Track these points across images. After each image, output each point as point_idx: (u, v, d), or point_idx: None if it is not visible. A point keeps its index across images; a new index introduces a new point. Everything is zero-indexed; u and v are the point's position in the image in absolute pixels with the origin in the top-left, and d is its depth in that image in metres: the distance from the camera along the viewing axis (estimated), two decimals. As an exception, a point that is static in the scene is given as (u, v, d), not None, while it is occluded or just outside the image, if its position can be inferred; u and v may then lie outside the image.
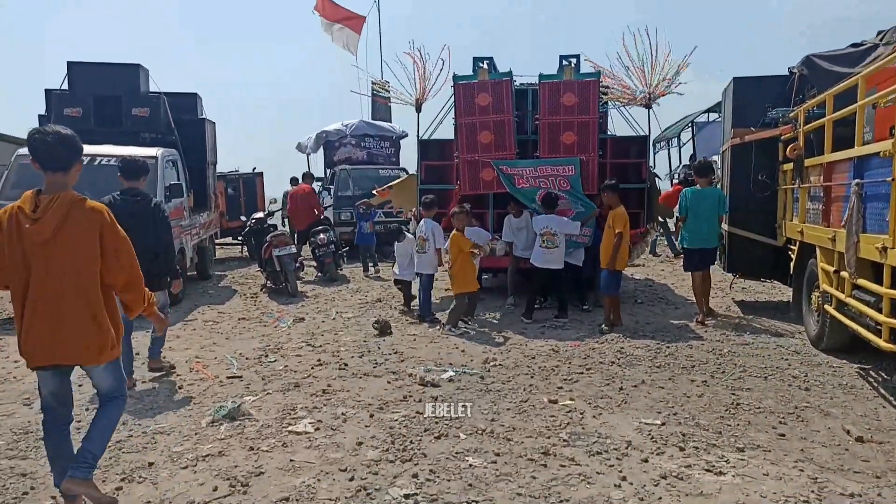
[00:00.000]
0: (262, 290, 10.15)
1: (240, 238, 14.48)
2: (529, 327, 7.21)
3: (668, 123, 14.81)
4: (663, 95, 8.07)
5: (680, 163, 14.66)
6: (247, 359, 6.19)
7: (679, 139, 14.76)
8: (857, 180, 4.72)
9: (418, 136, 9.08)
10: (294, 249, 9.92)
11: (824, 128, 6.18)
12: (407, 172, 15.35)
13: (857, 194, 4.69)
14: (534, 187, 7.88)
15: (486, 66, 7.98)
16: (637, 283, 10.24)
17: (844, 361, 5.67)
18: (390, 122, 18.86)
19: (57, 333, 3.00)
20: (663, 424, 4.29)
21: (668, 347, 6.25)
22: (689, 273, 7.68)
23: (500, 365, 5.78)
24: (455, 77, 8.07)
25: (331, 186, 14.89)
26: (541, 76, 7.87)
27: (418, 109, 9.00)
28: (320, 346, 6.64)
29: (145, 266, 3.38)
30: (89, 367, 3.16)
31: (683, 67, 8.05)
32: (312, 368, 5.81)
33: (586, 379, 5.32)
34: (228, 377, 5.58)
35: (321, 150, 16.78)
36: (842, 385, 5.05)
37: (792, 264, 6.87)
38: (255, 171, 16.62)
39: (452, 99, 9.04)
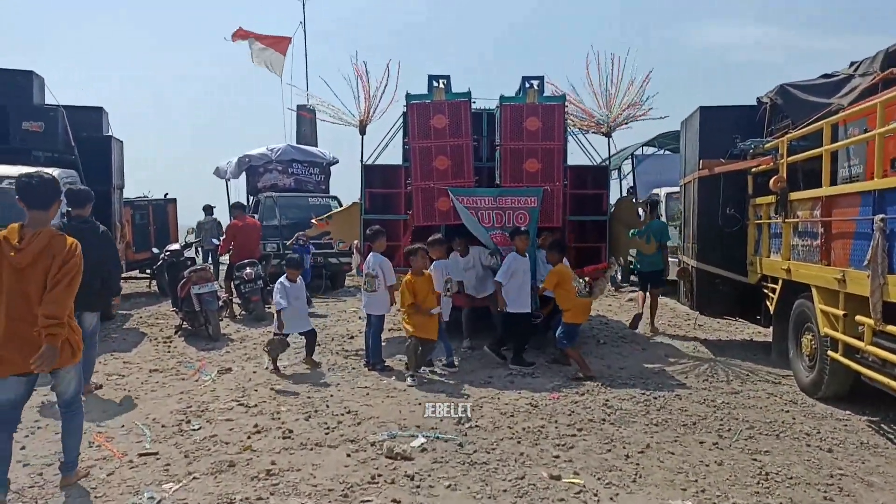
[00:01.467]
0: (176, 332, 8.84)
1: (149, 272, 12.94)
2: (496, 375, 6.40)
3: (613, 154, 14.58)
4: (634, 120, 7.62)
5: (620, 194, 14.48)
6: (163, 426, 5.03)
7: (620, 171, 14.60)
8: (880, 216, 4.26)
9: (362, 161, 8.20)
10: (216, 287, 8.70)
11: (811, 160, 5.84)
12: (339, 201, 14.42)
13: (881, 231, 4.23)
14: (489, 226, 7.15)
15: (442, 84, 7.25)
16: (592, 321, 9.68)
17: (848, 413, 5.20)
18: (317, 146, 17.85)
19: (33, 343, 3.50)
20: (696, 507, 3.57)
21: (656, 399, 5.60)
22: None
23: (476, 426, 4.92)
24: (408, 96, 7.29)
25: (254, 216, 13.63)
26: (502, 98, 7.22)
27: (362, 132, 8.14)
28: (255, 405, 5.55)
29: (89, 288, 4.15)
30: (63, 369, 3.76)
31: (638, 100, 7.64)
32: (249, 438, 4.74)
33: (582, 443, 4.55)
34: (141, 454, 4.42)
35: (243, 176, 15.50)
36: (864, 444, 4.53)
37: (772, 304, 6.44)
38: (167, 197, 15.12)
39: (401, 120, 8.27)
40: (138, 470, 4.17)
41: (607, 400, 5.55)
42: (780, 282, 6.21)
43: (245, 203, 15.25)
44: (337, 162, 15.73)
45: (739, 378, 6.31)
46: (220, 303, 8.83)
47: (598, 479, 3.94)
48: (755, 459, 4.23)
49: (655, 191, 12.52)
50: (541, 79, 7.28)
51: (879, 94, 5.38)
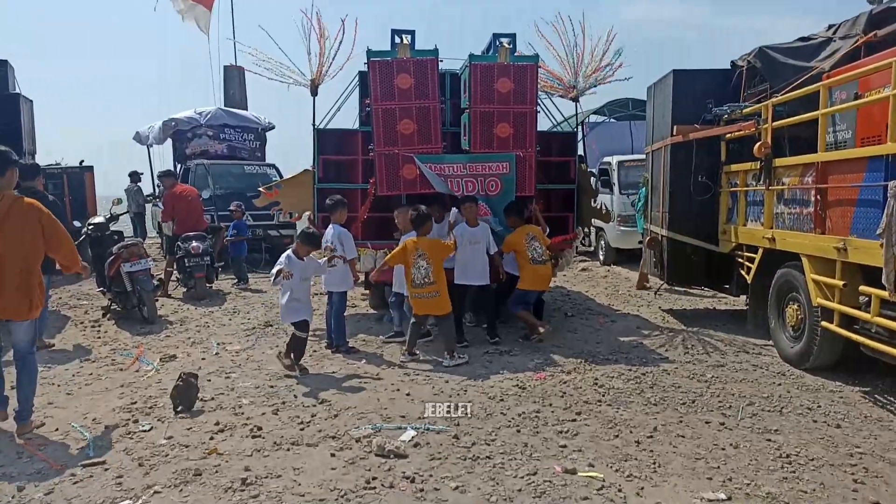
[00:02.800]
0: (104, 315, 7.95)
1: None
2: (472, 355, 5.99)
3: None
4: (604, 83, 7.27)
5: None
6: (106, 428, 4.35)
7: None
8: (895, 181, 4.07)
9: (314, 125, 7.50)
10: (149, 264, 7.85)
11: (796, 126, 5.66)
12: (277, 170, 13.55)
13: (896, 198, 4.03)
14: (459, 195, 6.67)
15: (406, 40, 6.63)
16: (554, 293, 9.43)
17: (839, 384, 5.12)
18: (247, 109, 16.73)
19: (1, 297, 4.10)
20: (729, 500, 3.29)
21: (644, 375, 5.36)
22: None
23: (467, 415, 4.51)
24: (369, 52, 6.63)
25: (161, 185, 12.56)
26: (471, 56, 6.68)
27: (314, 92, 7.43)
28: (211, 398, 4.92)
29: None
30: (19, 321, 4.22)
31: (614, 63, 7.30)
32: (212, 438, 4.15)
33: (585, 429, 4.22)
34: (85, 464, 3.77)
35: (168, 143, 14.30)
36: (868, 418, 4.41)
37: (748, 274, 6.31)
38: (83, 164, 13.76)
39: (358, 80, 7.61)
40: (84, 486, 3.52)
41: (596, 379, 5.25)
42: (760, 251, 6.06)
43: (173, 170, 14.17)
44: (273, 127, 14.77)
45: (718, 350, 6.17)
46: (155, 281, 8.00)
47: (616, 470, 3.62)
48: (769, 440, 4.02)
49: (606, 159, 12.34)
50: (512, 36, 6.77)
51: (870, 56, 5.22)
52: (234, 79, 19.47)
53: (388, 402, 4.80)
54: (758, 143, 5.80)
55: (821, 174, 5.02)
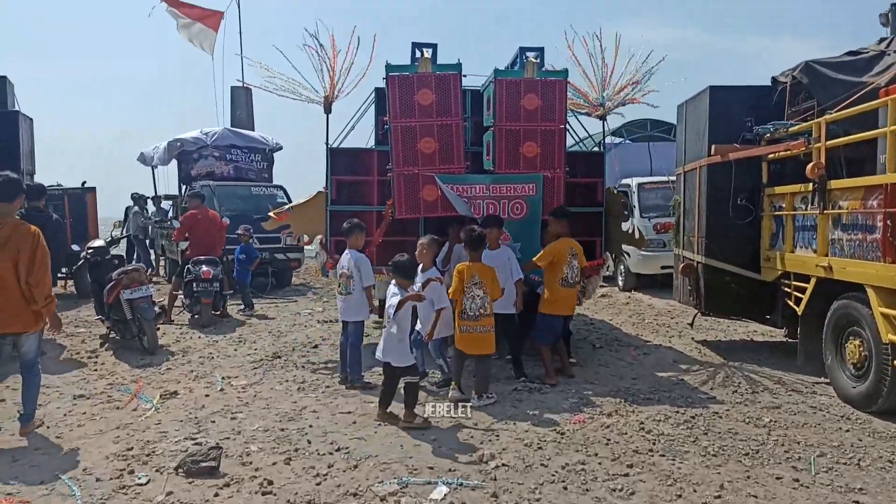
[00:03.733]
0: (102, 345, 7.48)
1: (65, 271, 11.28)
2: (498, 392, 5.47)
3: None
4: (633, 102, 6.85)
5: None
6: (98, 480, 3.86)
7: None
8: None
9: (327, 144, 7.09)
10: (150, 291, 7.39)
11: (851, 145, 5.22)
12: (285, 191, 13.16)
13: None
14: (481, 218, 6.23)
15: (427, 54, 6.24)
16: (576, 322, 8.93)
17: (914, 429, 4.60)
18: (253, 130, 16.40)
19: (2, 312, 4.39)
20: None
21: (694, 418, 4.84)
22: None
23: (503, 465, 4.00)
24: (388, 66, 6.23)
25: (188, 206, 12.18)
26: (496, 71, 6.27)
27: (327, 110, 7.03)
28: (213, 442, 4.41)
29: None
30: (27, 334, 4.54)
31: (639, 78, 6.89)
32: (217, 496, 3.65)
33: (641, 486, 3.71)
34: (71, 529, 3.28)
35: (174, 164, 13.93)
36: (961, 472, 3.90)
37: (798, 305, 5.82)
38: (85, 185, 13.37)
39: (373, 96, 7.21)
40: (68, 557, 3.03)
41: (641, 423, 4.74)
42: (813, 280, 5.58)
43: (202, 194, 13.79)
44: (280, 148, 14.40)
45: (767, 389, 5.66)
46: (157, 309, 7.53)
47: (688, 541, 3.11)
48: (857, 502, 3.50)
49: (625, 181, 11.90)
50: (540, 50, 6.39)
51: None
52: (240, 99, 19.16)
53: (413, 450, 4.29)
54: (810, 164, 5.34)
55: (891, 197, 4.55)
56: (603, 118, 7.29)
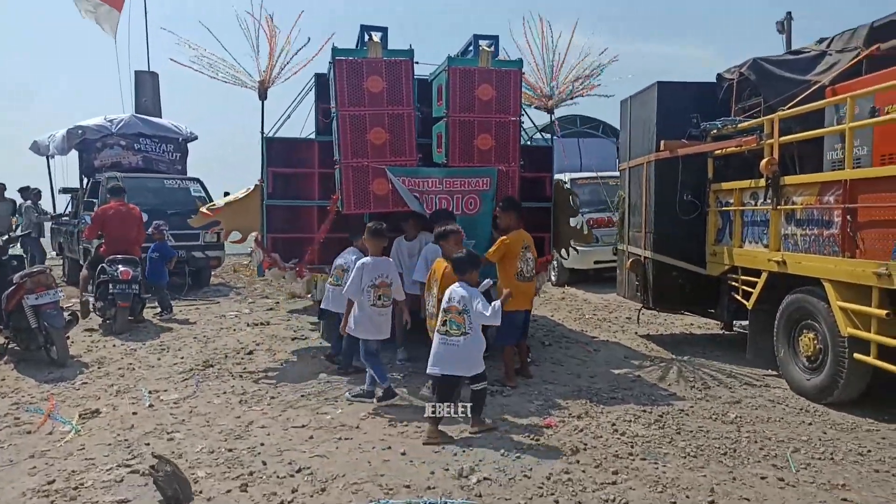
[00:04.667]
0: (0, 357, 6.61)
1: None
2: (463, 401, 5.18)
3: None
4: (581, 95, 6.75)
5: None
6: (17, 524, 3.27)
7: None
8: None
9: (262, 133, 6.56)
10: (59, 296, 6.57)
11: (802, 141, 5.32)
12: (202, 184, 12.28)
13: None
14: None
15: (377, 38, 5.84)
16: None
17: (871, 420, 4.70)
18: (160, 117, 15.25)
19: None
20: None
21: (662, 417, 4.76)
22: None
23: (485, 479, 3.73)
24: (335, 50, 5.78)
25: (94, 200, 11.13)
26: (449, 59, 5.97)
27: (262, 96, 6.50)
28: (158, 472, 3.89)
29: None
30: None
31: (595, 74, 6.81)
32: (168, 534, 3.16)
33: (633, 494, 3.55)
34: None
35: (74, 154, 12.69)
36: (927, 462, 3.99)
37: (749, 299, 5.90)
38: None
39: (313, 83, 6.74)
40: None
41: (613, 424, 4.61)
42: (764, 275, 5.66)
43: (80, 185, 12.60)
44: (195, 138, 13.44)
45: (722, 383, 5.70)
46: (67, 316, 6.72)
47: (697, 554, 2.96)
48: (845, 500, 3.49)
49: (557, 177, 11.90)
50: (495, 38, 6.14)
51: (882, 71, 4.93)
52: (146, 84, 17.84)
53: (383, 466, 3.95)
54: (764, 160, 5.40)
55: (849, 193, 4.63)
56: (551, 111, 7.17)
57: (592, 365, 6.34)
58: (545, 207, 7.03)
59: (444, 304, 4.48)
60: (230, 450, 4.22)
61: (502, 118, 6.09)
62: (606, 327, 8.21)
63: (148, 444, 4.33)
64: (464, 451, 4.15)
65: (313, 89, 6.80)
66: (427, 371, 4.56)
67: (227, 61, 6.36)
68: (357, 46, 6.00)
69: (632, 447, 4.19)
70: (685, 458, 4.04)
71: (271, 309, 9.73)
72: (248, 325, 8.42)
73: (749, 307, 5.91)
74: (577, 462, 3.96)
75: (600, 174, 11.57)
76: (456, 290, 4.47)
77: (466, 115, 6.00)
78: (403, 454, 4.13)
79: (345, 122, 5.80)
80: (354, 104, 5.81)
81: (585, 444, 4.24)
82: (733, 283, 6.26)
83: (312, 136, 6.99)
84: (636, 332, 7.85)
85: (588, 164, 12.36)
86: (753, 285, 5.87)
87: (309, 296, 10.10)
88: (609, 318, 8.85)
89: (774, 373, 5.87)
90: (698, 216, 6.68)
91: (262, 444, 4.31)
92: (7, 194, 13.04)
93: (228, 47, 6.39)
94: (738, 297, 6.15)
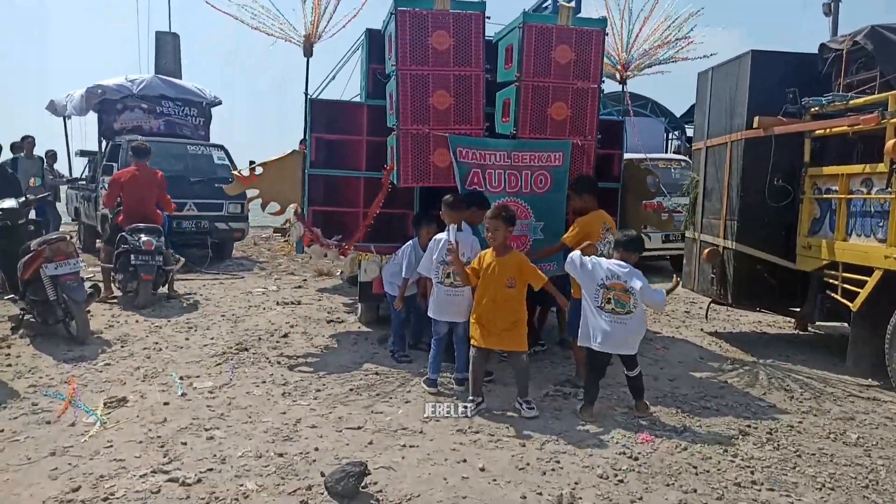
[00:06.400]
0: (15, 331, 6.06)
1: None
2: (515, 405, 4.54)
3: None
4: (672, 61, 6.04)
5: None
6: (36, 546, 2.69)
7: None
8: None
9: (306, 94, 5.89)
10: (80, 266, 5.99)
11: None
12: (226, 152, 11.65)
13: None
14: (497, 191, 5.25)
15: (446, -13, 5.13)
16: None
17: None
18: (181, 78, 14.59)
19: None
20: None
21: (772, 434, 4.13)
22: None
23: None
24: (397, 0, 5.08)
25: (113, 164, 10.51)
26: (525, 15, 5.25)
27: (308, 52, 5.82)
28: (196, 479, 3.31)
29: None
30: None
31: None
32: (220, 570, 2.58)
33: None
34: None
35: (92, 115, 12.05)
36: None
37: (855, 300, 5.22)
38: (-15, 137, 11.35)
39: (364, 40, 6.06)
40: None
41: (719, 441, 3.98)
42: (878, 273, 4.98)
43: (98, 148, 11.98)
44: (220, 102, 12.76)
45: (821, 392, 5.05)
46: (89, 288, 6.14)
47: None
48: None
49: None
50: (577, -7, 5.42)
51: None
52: (167, 45, 17.24)
53: (463, 485, 3.34)
54: (891, 142, 4.69)
55: None
56: (623, 81, 6.45)
57: (667, 366, 5.69)
58: (613, 189, 6.35)
59: (605, 282, 4.29)
60: (280, 454, 3.63)
61: (581, 85, 5.38)
62: (666, 321, 7.55)
63: (185, 444, 3.75)
64: (553, 471, 3.54)
65: (364, 47, 6.11)
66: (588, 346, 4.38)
67: (271, 11, 5.71)
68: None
69: (752, 473, 3.57)
70: (820, 489, 3.41)
71: (299, 287, 9.14)
72: (277, 303, 7.83)
73: (853, 309, 5.24)
74: (694, 491, 3.34)
75: (649, 156, 10.81)
76: (617, 267, 4.31)
77: (541, 79, 5.30)
78: (483, 470, 3.52)
79: (405, 82, 5.12)
80: (417, 62, 5.12)
81: (695, 468, 3.62)
82: (831, 281, 5.58)
83: (358, 99, 6.34)
84: (702, 329, 7.18)
85: (635, 146, 11.61)
86: (860, 284, 5.19)
87: (339, 274, 9.68)
88: (667, 311, 8.18)
89: (877, 383, 5.23)
90: (790, 204, 5.98)
91: (317, 449, 3.72)
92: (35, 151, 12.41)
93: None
94: (837, 297, 5.47)
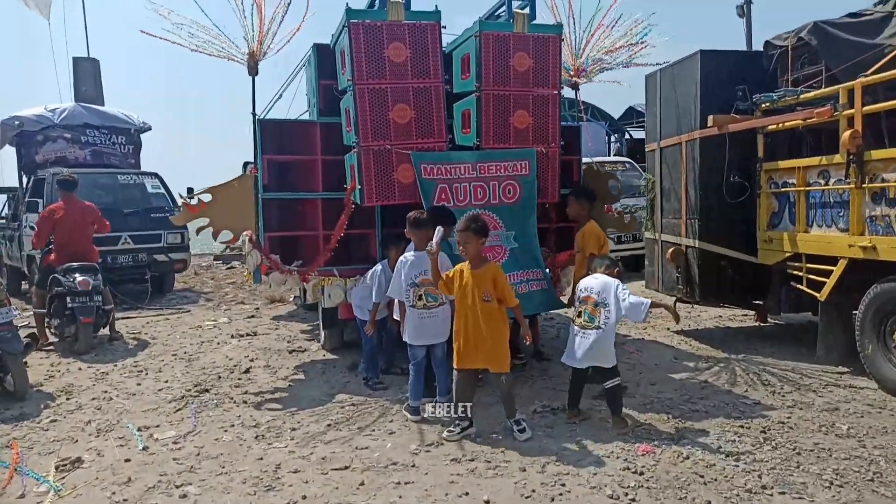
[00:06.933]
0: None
1: None
2: (503, 429, 4.37)
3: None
4: (624, 66, 6.04)
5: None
6: None
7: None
8: None
9: (254, 115, 5.58)
10: (13, 314, 5.45)
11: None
12: (161, 180, 11.06)
13: None
14: (464, 205, 5.06)
15: (400, -1, 4.94)
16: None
17: None
18: (103, 105, 13.81)
19: None
20: None
21: (765, 433, 4.10)
22: None
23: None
24: (349, 11, 4.84)
25: (38, 200, 9.79)
26: (481, 24, 5.11)
27: (253, 71, 5.53)
28: (176, 547, 2.96)
29: None
30: None
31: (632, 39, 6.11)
32: None
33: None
34: None
35: (9, 149, 11.25)
36: None
37: (822, 290, 5.30)
38: None
39: (311, 55, 5.81)
40: None
41: (718, 446, 3.91)
42: (843, 262, 5.06)
43: (19, 184, 11.18)
44: (149, 128, 12.14)
45: (800, 385, 5.09)
46: (25, 338, 5.60)
47: None
48: None
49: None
50: (531, 1, 5.32)
51: None
52: (86, 72, 16.28)
53: (469, 521, 3.13)
54: (847, 133, 4.79)
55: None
56: (576, 87, 6.43)
57: (644, 370, 5.64)
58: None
59: (580, 295, 4.36)
60: (264, 509, 3.32)
61: (541, 92, 5.29)
62: (632, 324, 7.55)
63: (153, 506, 3.38)
64: (561, 496, 3.37)
65: (312, 63, 5.85)
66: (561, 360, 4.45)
67: (212, 31, 5.39)
68: (370, 6, 5.09)
69: (759, 477, 3.49)
70: (829, 487, 3.37)
71: (252, 316, 8.72)
72: (231, 336, 7.42)
73: (821, 299, 5.32)
74: (708, 503, 3.23)
75: (595, 160, 10.92)
76: (593, 281, 4.33)
77: (501, 88, 5.18)
78: (488, 503, 3.32)
79: (363, 97, 4.89)
80: (374, 76, 4.90)
81: (702, 476, 3.52)
82: (794, 273, 5.67)
83: (307, 117, 6.07)
84: (668, 328, 7.21)
85: (586, 150, 11.71)
86: (825, 274, 5.28)
87: (293, 300, 9.29)
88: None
89: (848, 370, 5.33)
90: (747, 199, 6.06)
91: (304, 497, 3.43)
92: None
93: (209, 13, 5.42)
94: (803, 288, 5.56)
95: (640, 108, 18.27)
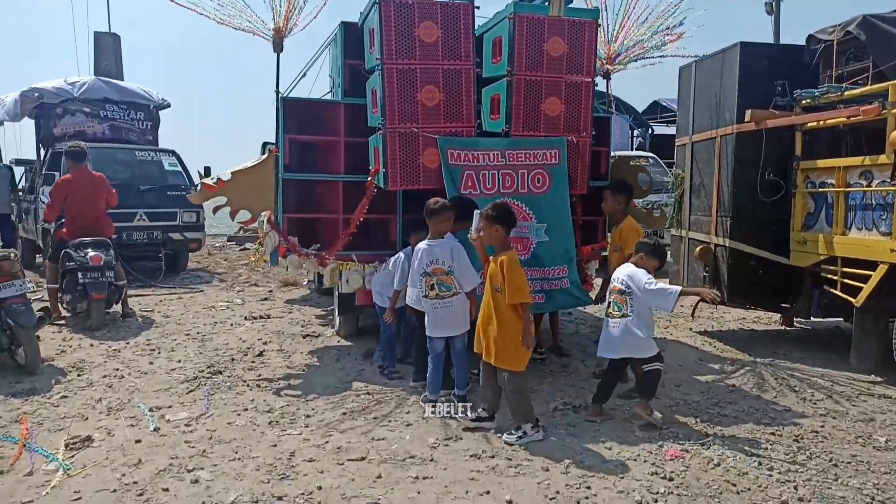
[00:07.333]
0: (-48, 361, 5.39)
1: None
2: (543, 420, 4.23)
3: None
4: (657, 57, 5.84)
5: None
6: None
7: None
8: None
9: (278, 93, 5.43)
10: (27, 287, 5.37)
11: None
12: (178, 157, 10.96)
13: None
14: (491, 193, 4.88)
15: (432, -25, 4.77)
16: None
17: None
18: (123, 80, 13.72)
19: None
20: None
21: (798, 441, 3.94)
22: None
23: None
24: (381, -12, 4.68)
25: (54, 173, 9.73)
26: (515, 5, 4.93)
27: (278, 47, 5.38)
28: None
29: None
30: None
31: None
32: None
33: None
34: None
35: (27, 120, 11.17)
36: None
37: (857, 295, 5.10)
38: None
39: (338, 33, 5.64)
40: None
41: (753, 453, 3.74)
42: (883, 267, 4.86)
43: (36, 156, 11.13)
44: (168, 105, 12.01)
45: (832, 392, 4.91)
46: (39, 312, 5.52)
47: None
48: None
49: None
50: (567, -18, 5.13)
51: None
52: (106, 47, 16.26)
53: (494, 523, 2.99)
54: (895, 132, 4.57)
55: None
56: (608, 76, 6.23)
57: (668, 370, 5.43)
58: (600, 187, 6.10)
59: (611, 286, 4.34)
60: (280, 497, 3.21)
61: (575, 79, 5.10)
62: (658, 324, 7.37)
63: (167, 490, 3.28)
64: (587, 499, 3.22)
65: (339, 42, 5.70)
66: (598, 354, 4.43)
67: (238, 4, 5.25)
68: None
69: (795, 489, 3.33)
70: (871, 503, 3.20)
71: (266, 299, 8.61)
72: (245, 318, 7.31)
73: (856, 304, 5.12)
74: (743, 514, 3.09)
75: (618, 153, 10.70)
76: (621, 271, 4.28)
77: (533, 73, 4.99)
78: (509, 502, 3.18)
79: (391, 77, 4.73)
80: (403, 56, 4.74)
81: (734, 485, 3.37)
82: (828, 276, 5.47)
83: (330, 97, 5.93)
84: (691, 328, 7.03)
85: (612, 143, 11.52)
86: (861, 279, 5.08)
87: (306, 283, 9.19)
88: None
89: (881, 379, 5.14)
90: (782, 198, 5.85)
91: (320, 488, 3.31)
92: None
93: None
94: (837, 292, 5.36)
95: (665, 103, 17.92)
